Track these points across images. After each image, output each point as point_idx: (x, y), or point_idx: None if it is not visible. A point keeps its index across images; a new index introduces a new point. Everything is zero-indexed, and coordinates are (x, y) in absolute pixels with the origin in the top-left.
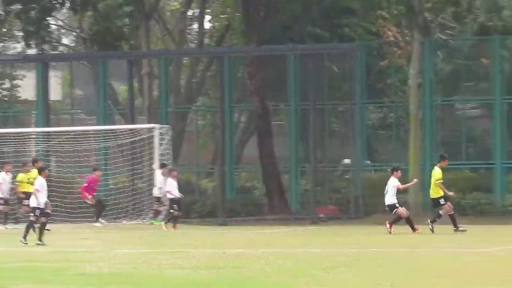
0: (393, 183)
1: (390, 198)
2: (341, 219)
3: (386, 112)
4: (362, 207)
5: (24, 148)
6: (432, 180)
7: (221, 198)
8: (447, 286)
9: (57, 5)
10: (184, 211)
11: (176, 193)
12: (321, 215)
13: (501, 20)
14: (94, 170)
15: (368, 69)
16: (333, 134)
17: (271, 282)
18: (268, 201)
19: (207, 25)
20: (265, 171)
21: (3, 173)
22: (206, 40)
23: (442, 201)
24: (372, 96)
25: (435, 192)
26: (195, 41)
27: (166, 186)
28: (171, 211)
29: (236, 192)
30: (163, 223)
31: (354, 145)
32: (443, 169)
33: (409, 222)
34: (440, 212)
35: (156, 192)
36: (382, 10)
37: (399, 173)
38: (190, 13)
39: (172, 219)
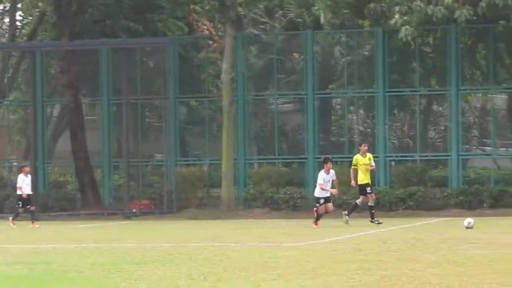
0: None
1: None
2: (154, 214)
3: (199, 106)
4: (175, 202)
5: None
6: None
7: (33, 193)
8: (259, 280)
9: None
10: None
11: (24, 190)
12: (134, 210)
13: (312, 15)
14: None
15: (182, 64)
16: (148, 128)
17: (84, 277)
18: (81, 196)
19: (19, 18)
20: (78, 165)
21: None
22: (18, 34)
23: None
24: (186, 90)
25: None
26: (7, 35)
27: (18, 182)
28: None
29: (49, 187)
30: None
31: (167, 140)
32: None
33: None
34: (357, 201)
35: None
36: (195, 5)
37: (329, 164)
38: (1, 6)
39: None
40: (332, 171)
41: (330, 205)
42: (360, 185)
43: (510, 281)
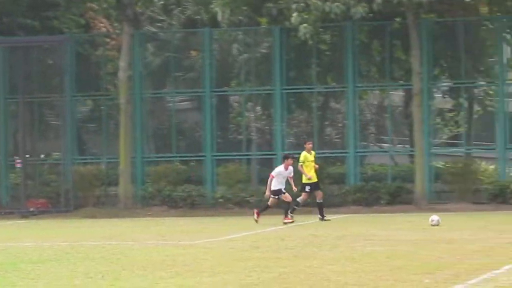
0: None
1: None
2: (52, 213)
3: (96, 104)
4: (73, 200)
5: None
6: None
7: None
8: (157, 278)
9: None
10: None
11: None
12: (32, 209)
13: (210, 13)
14: None
15: (80, 61)
16: (45, 127)
17: None
18: None
19: None
20: None
21: None
22: None
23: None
24: (83, 88)
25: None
26: None
27: None
28: None
29: None
30: None
31: (64, 138)
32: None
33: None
34: (298, 199)
35: None
36: (92, 3)
37: (290, 161)
38: None
39: None
40: (290, 168)
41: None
42: (305, 183)
43: (406, 277)
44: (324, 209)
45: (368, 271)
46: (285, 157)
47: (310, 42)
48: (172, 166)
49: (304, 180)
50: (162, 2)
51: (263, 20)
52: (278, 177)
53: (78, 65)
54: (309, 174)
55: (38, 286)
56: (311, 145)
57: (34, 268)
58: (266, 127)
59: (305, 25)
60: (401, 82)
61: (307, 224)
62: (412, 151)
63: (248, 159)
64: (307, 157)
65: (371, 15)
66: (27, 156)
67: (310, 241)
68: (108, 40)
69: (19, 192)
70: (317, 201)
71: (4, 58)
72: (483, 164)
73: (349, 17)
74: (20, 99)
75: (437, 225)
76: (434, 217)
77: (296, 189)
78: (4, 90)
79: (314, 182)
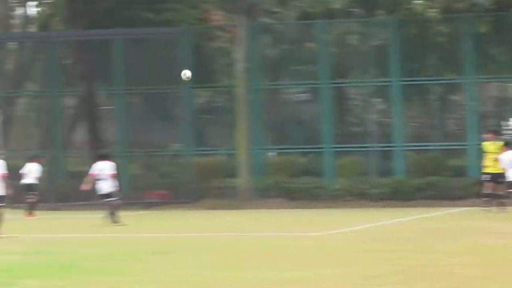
0: None
1: None
2: (172, 204)
3: (213, 96)
4: (193, 191)
5: None
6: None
7: (51, 183)
8: (280, 269)
9: None
10: (15, 197)
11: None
12: (152, 200)
13: (324, 4)
14: None
15: (196, 53)
16: (162, 118)
17: (101, 267)
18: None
19: (32, 10)
20: (94, 156)
21: None
22: (31, 25)
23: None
24: (200, 80)
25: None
26: (20, 26)
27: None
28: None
29: (66, 177)
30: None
31: (183, 130)
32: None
33: None
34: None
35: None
36: None
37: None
38: None
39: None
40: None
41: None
42: (492, 174)
43: None
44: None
45: (492, 264)
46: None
47: (435, 28)
48: (290, 157)
49: (492, 170)
50: None
51: (379, 10)
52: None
53: (194, 57)
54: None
55: (159, 276)
56: (491, 135)
57: (154, 258)
58: (384, 119)
59: (434, 10)
60: None
61: (431, 217)
62: None
63: (366, 151)
64: (489, 147)
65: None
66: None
67: (432, 233)
68: (223, 33)
69: (138, 184)
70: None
71: (121, 50)
72: None
73: (471, 7)
74: (138, 90)
75: None
76: None
77: None
78: (122, 82)
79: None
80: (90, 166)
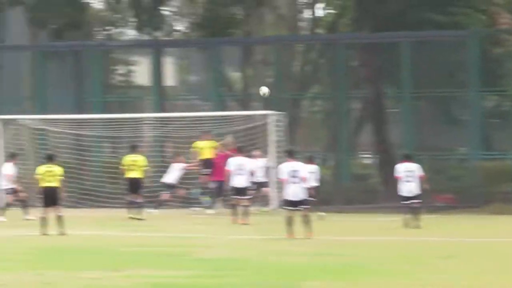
0: None
1: None
2: (459, 208)
3: (501, 100)
4: (480, 196)
5: (139, 133)
6: None
7: (336, 185)
8: None
9: None
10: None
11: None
12: (438, 204)
13: None
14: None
15: (483, 57)
16: (448, 122)
17: (388, 269)
18: (384, 189)
19: (319, 12)
20: (381, 158)
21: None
22: (319, 27)
23: None
24: (487, 84)
25: None
26: (308, 28)
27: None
28: None
29: (351, 179)
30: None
31: (470, 134)
32: None
33: None
34: None
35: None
36: None
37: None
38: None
39: None
40: None
41: None
42: None
43: None
44: None
45: None
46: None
47: None
48: None
49: None
50: None
51: None
52: None
53: (482, 61)
54: None
55: (444, 279)
56: None
57: (443, 263)
58: None
59: None
60: None
61: None
62: None
63: None
64: None
65: None
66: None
67: None
68: (510, 36)
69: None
70: None
71: (410, 52)
72: None
73: None
74: (425, 93)
75: None
76: None
77: None
78: (409, 85)
79: None
80: (375, 168)
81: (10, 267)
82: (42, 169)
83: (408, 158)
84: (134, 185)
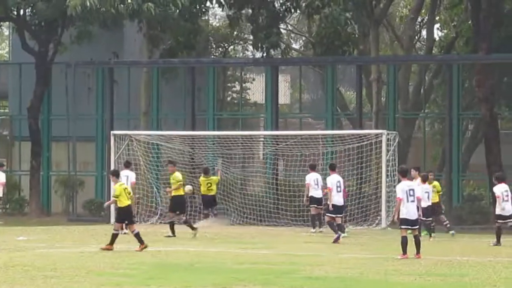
0: None
1: None
2: None
3: None
4: None
5: (253, 150)
6: None
7: (448, 205)
8: None
9: (287, 11)
10: None
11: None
12: None
13: None
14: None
15: None
16: None
17: None
18: (495, 210)
19: (436, 32)
20: (492, 179)
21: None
22: (435, 48)
23: None
24: None
25: None
26: (423, 48)
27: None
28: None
29: (463, 200)
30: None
31: None
32: None
33: None
34: None
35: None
36: None
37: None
38: (419, 20)
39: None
40: None
41: None
42: None
43: None
44: None
45: None
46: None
47: None
48: None
49: None
50: None
51: None
52: None
53: None
54: None
55: None
56: None
57: None
58: None
59: None
60: None
61: None
62: None
63: None
64: None
65: None
66: None
67: None
68: None
69: None
70: None
71: None
72: None
73: None
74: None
75: None
76: None
77: None
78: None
79: None
80: (486, 189)
81: (123, 282)
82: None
83: (501, 179)
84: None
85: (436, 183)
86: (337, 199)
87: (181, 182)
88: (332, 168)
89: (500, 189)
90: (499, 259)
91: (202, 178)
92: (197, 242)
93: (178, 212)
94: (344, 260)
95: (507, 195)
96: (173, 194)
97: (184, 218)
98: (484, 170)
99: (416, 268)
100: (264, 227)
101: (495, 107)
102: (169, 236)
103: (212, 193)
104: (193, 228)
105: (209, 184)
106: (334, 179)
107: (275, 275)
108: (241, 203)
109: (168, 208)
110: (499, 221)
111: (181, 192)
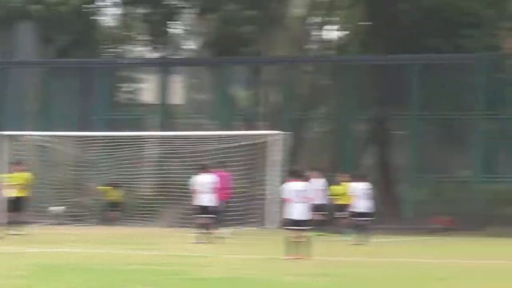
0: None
1: None
2: (456, 231)
3: (504, 124)
4: (478, 219)
5: (143, 151)
6: None
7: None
8: None
9: (180, 10)
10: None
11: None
12: (437, 226)
13: None
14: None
15: (489, 80)
16: (452, 144)
17: None
18: (383, 210)
19: (329, 33)
20: (382, 180)
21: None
22: (328, 49)
23: None
24: (492, 107)
25: None
26: (318, 49)
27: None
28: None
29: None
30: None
31: (473, 157)
32: None
33: None
34: None
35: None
36: (504, 22)
37: None
38: (315, 20)
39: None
40: None
41: None
42: None
43: None
44: None
45: None
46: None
47: None
48: None
49: None
50: None
51: None
52: None
53: (488, 84)
54: None
55: None
56: None
57: (436, 284)
58: None
59: None
60: None
61: None
62: None
63: None
64: None
65: None
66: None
67: None
68: None
69: (422, 209)
70: None
71: (417, 75)
72: None
73: None
74: (431, 116)
75: None
76: None
77: None
78: (416, 107)
79: None
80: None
81: (5, 285)
82: None
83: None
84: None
85: (343, 184)
86: (204, 199)
87: (25, 183)
88: (203, 168)
89: (355, 187)
90: (384, 260)
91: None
92: (84, 243)
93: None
94: (231, 261)
95: (364, 193)
96: (15, 195)
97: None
98: (373, 171)
99: (305, 269)
100: (153, 228)
101: (388, 108)
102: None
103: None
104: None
105: None
106: (204, 180)
107: (165, 277)
108: (130, 203)
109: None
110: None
111: (21, 194)
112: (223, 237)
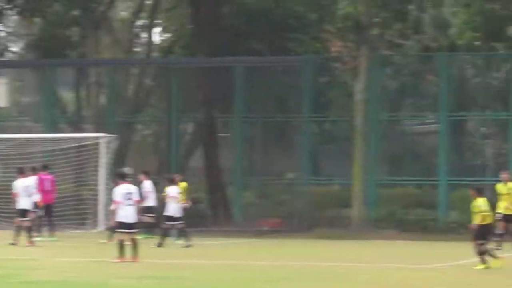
0: None
1: None
2: (284, 232)
3: (331, 126)
4: (306, 220)
5: None
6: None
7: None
8: None
9: (4, 11)
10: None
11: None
12: (265, 228)
13: (447, 38)
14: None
15: (316, 83)
16: (279, 147)
17: None
18: (212, 213)
19: (155, 36)
20: (210, 182)
21: None
22: (154, 51)
23: None
24: (318, 110)
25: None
26: (143, 52)
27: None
28: None
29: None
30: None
31: (300, 159)
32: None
33: None
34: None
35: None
36: (329, 25)
37: None
38: (139, 23)
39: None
40: None
41: None
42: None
43: None
44: None
45: None
46: None
47: None
48: (405, 189)
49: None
50: (399, 26)
51: (501, 44)
52: None
53: (315, 87)
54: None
55: None
56: (506, 176)
57: (269, 287)
58: (504, 154)
59: None
60: None
61: None
62: None
63: (482, 185)
64: (500, 189)
65: None
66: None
67: None
68: (342, 63)
69: (252, 211)
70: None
71: (243, 77)
72: None
73: None
74: (257, 118)
75: None
76: None
77: None
78: (242, 109)
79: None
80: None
81: None
82: None
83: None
84: None
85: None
86: (23, 203)
87: None
88: (21, 172)
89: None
90: (217, 262)
91: None
92: None
93: None
94: (60, 264)
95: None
96: None
97: None
98: (202, 173)
99: (133, 271)
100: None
101: (214, 110)
102: None
103: None
104: None
105: None
106: (23, 184)
107: None
108: None
109: None
110: (168, 222)
111: None
112: (43, 240)
